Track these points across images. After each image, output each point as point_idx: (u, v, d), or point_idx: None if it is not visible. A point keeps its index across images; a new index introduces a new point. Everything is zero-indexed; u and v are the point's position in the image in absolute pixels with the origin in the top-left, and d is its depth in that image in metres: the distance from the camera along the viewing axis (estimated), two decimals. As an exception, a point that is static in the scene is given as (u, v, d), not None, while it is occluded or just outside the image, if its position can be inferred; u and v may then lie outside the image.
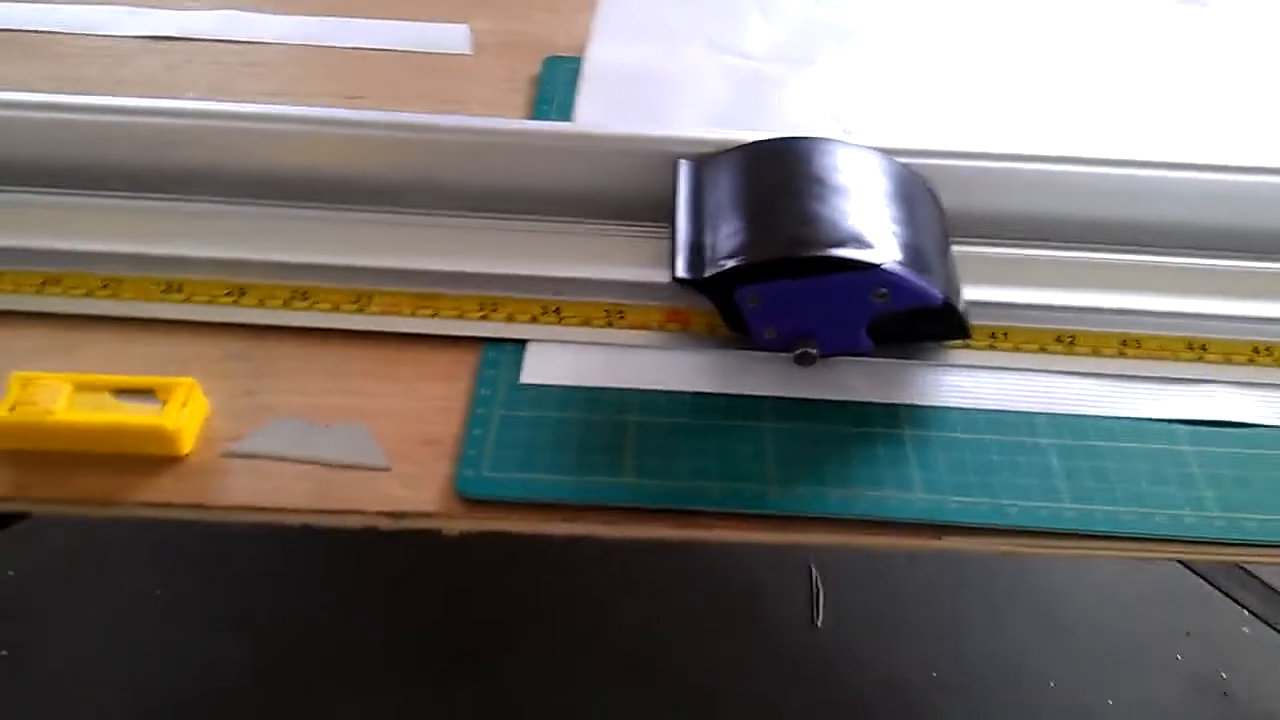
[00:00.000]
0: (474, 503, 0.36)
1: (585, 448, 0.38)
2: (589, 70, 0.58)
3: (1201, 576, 0.87)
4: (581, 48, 0.60)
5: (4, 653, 0.85)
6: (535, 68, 0.58)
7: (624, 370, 0.41)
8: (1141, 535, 0.36)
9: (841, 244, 0.38)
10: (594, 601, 0.85)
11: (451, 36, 0.61)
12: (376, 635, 0.84)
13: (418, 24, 0.62)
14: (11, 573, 0.90)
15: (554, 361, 0.41)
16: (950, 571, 0.87)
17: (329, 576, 0.88)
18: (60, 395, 0.37)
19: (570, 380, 0.40)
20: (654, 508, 0.36)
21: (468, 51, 0.60)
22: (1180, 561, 0.88)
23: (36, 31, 0.59)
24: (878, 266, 0.37)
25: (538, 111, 0.54)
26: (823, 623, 0.82)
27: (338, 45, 0.60)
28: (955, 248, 0.43)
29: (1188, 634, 0.85)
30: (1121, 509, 0.37)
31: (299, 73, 0.58)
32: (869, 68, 0.59)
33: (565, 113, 0.54)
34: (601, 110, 0.54)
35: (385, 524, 0.36)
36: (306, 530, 0.37)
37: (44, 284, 0.43)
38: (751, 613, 0.83)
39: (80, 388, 0.37)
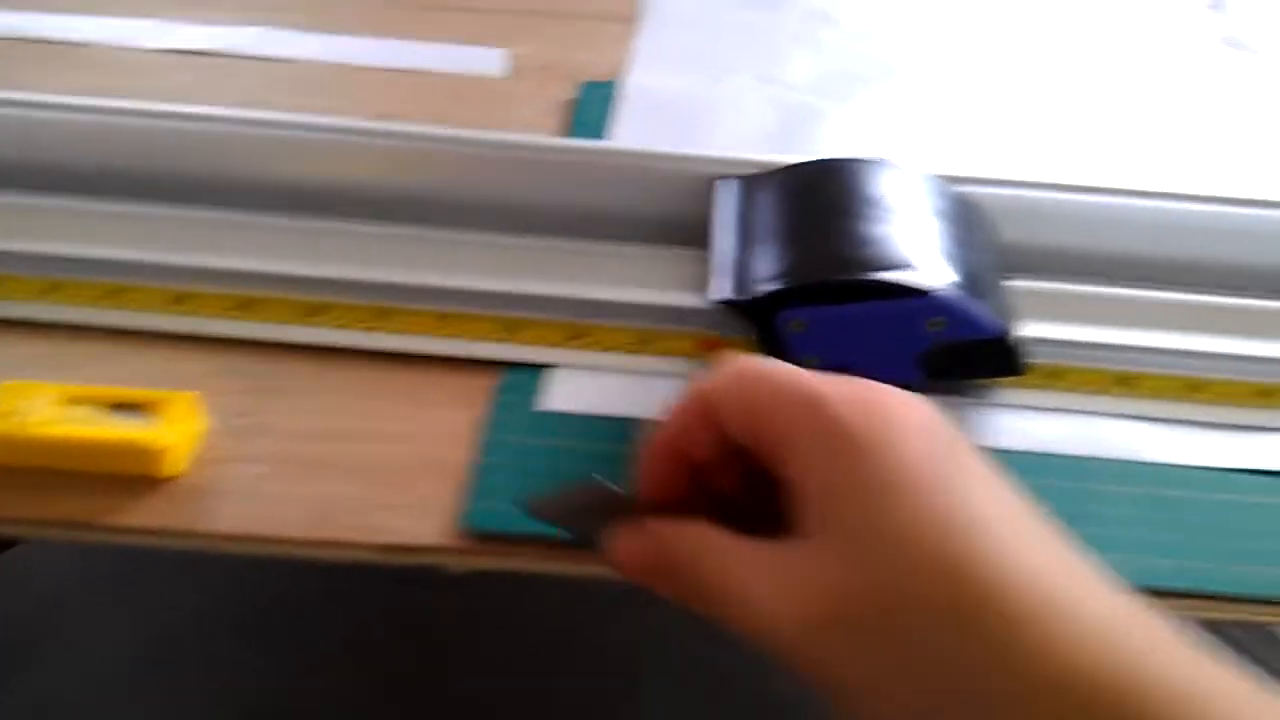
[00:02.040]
0: (480, 537, 0.33)
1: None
2: (627, 95, 0.55)
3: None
4: (622, 74, 0.58)
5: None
6: (572, 93, 0.56)
7: (651, 399, 0.38)
8: (1218, 594, 0.32)
9: (897, 268, 0.35)
10: (617, 666, 0.80)
11: (487, 60, 0.59)
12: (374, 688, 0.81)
13: (453, 46, 0.60)
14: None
15: (577, 388, 0.38)
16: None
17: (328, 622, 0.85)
18: (46, 407, 0.34)
19: (593, 408, 0.38)
20: (681, 549, 0.33)
21: (503, 75, 0.58)
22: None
23: (68, 43, 0.58)
24: (935, 293, 0.34)
25: (573, 135, 0.52)
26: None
27: (372, 65, 0.59)
28: (1010, 281, 0.40)
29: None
30: (1192, 563, 0.33)
31: (331, 91, 0.57)
32: (914, 101, 0.57)
33: (600, 136, 0.52)
34: (638, 134, 0.52)
35: (385, 558, 0.33)
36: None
37: (44, 291, 0.41)
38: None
39: (73, 400, 0.35)
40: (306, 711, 0.79)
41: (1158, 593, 0.32)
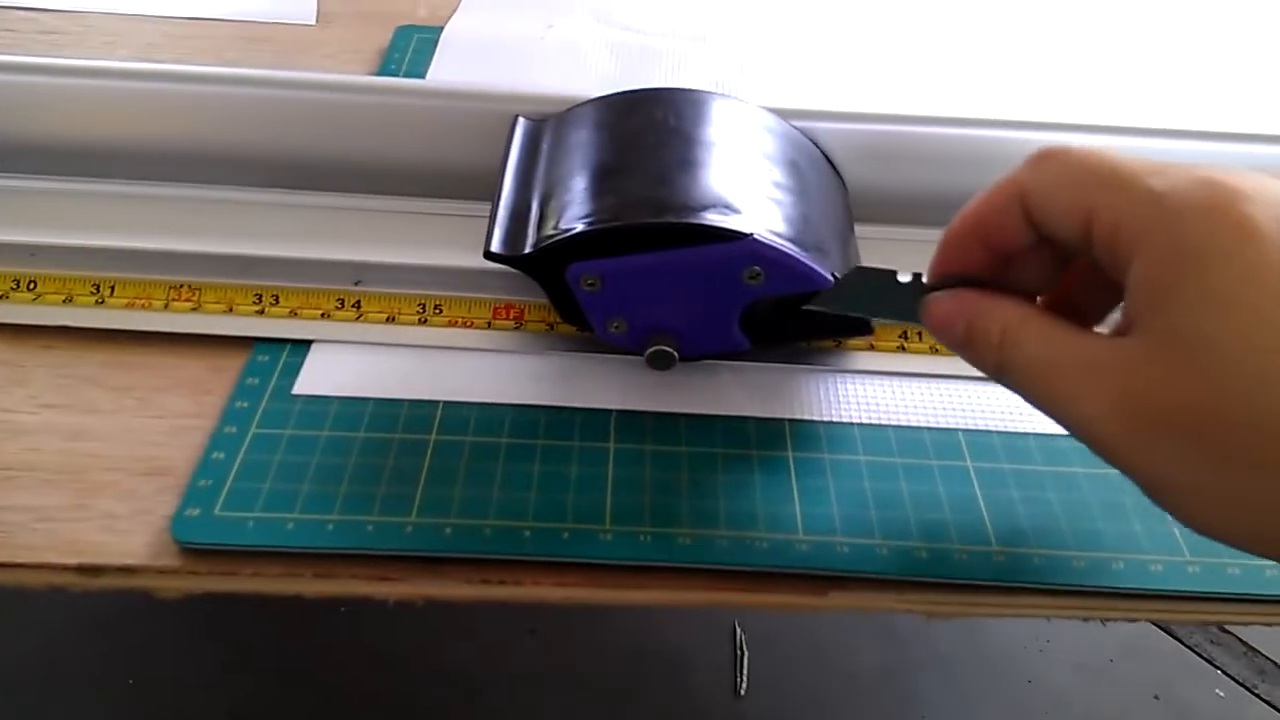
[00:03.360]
0: (196, 552, 0.27)
1: (362, 478, 0.28)
2: (449, 40, 0.49)
3: (1169, 633, 0.78)
4: (446, 19, 0.51)
5: None
6: (387, 40, 0.50)
7: (432, 379, 0.32)
8: (1095, 589, 0.27)
9: (703, 208, 0.29)
10: (484, 664, 0.74)
11: (293, 6, 0.52)
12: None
13: (258, -8, 0.53)
14: None
15: (342, 367, 0.32)
16: (889, 631, 0.78)
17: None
18: None
19: (359, 391, 0.31)
20: (446, 556, 0.27)
21: (311, 22, 0.51)
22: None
23: None
24: (748, 236, 0.28)
25: (379, 83, 0.46)
26: (746, 691, 0.72)
27: (159, 14, 0.51)
28: (864, 229, 0.35)
29: (1156, 698, 0.75)
30: (1069, 553, 0.28)
31: (107, 42, 0.49)
32: (772, 43, 0.51)
33: (412, 85, 0.45)
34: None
35: (75, 582, 0.27)
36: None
37: None
38: (666, 679, 0.73)
39: None
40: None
41: (1022, 589, 0.27)
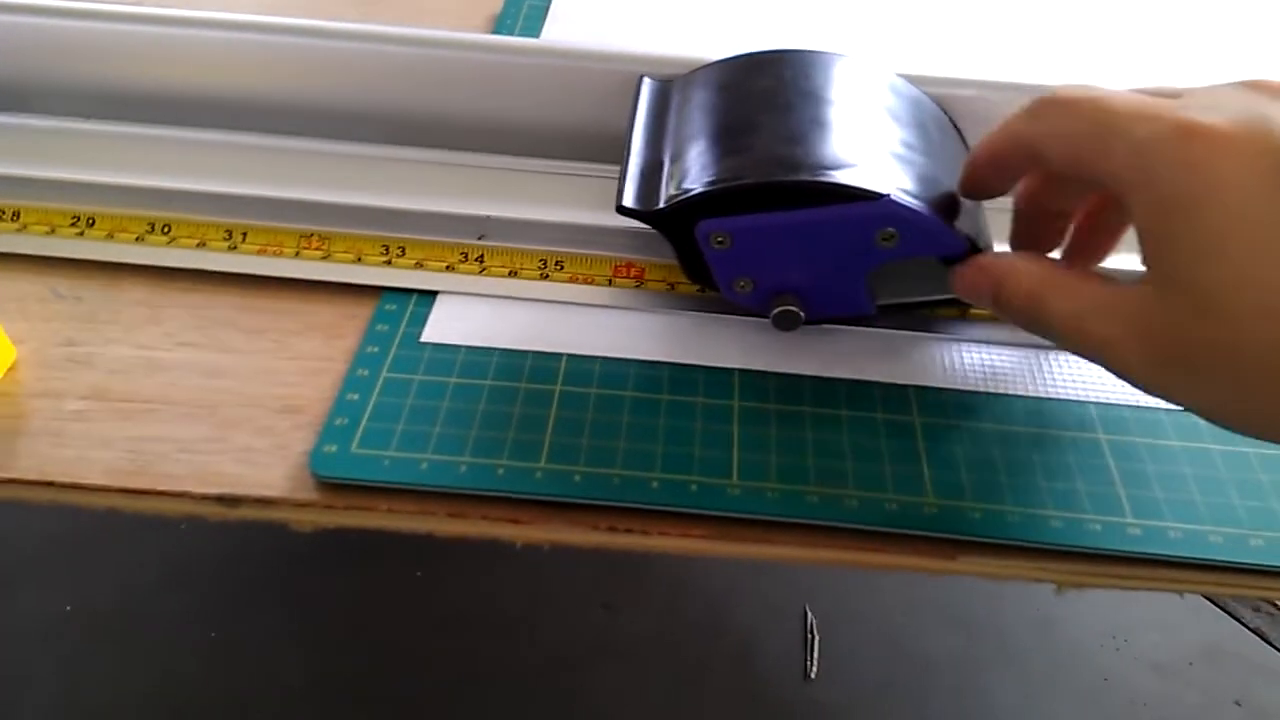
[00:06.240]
0: (333, 486, 0.27)
1: (491, 423, 0.29)
2: (561, 6, 0.49)
3: (1259, 635, 0.76)
4: (558, -15, 0.52)
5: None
6: (499, 5, 0.50)
7: (555, 332, 0.32)
8: (1231, 564, 0.27)
9: (838, 167, 0.29)
10: (557, 637, 0.75)
11: (406, -31, 0.53)
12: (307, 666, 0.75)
13: (369, -45, 0.54)
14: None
15: (468, 317, 0.32)
16: (962, 621, 0.77)
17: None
18: None
19: (484, 341, 0.32)
20: (574, 501, 0.27)
21: (424, -15, 0.52)
22: (1240, 620, 0.77)
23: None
24: (885, 196, 0.28)
25: (491, 47, 0.46)
26: (815, 675, 0.72)
27: (273, -25, 0.52)
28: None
29: (1237, 704, 0.74)
30: (1205, 528, 0.27)
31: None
32: (902, 7, 0.50)
33: (523, 49, 0.46)
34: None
35: (214, 511, 0.28)
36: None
37: None
38: (737, 660, 0.73)
39: None
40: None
41: (1162, 561, 0.27)
